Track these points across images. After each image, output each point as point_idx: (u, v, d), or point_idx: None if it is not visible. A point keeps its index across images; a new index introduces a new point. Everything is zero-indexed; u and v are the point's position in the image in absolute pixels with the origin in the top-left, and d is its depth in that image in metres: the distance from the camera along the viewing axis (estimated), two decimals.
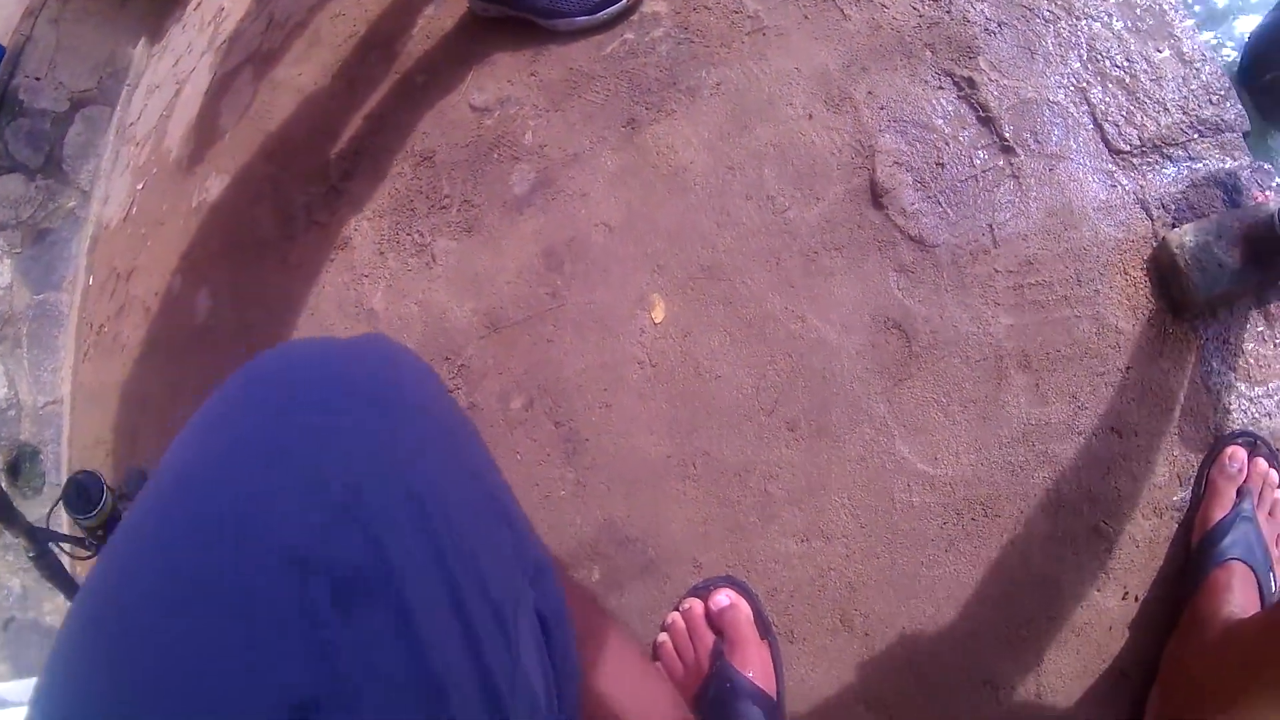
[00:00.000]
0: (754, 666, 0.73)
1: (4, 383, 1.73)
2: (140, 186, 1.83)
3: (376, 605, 0.24)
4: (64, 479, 1.72)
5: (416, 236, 1.12)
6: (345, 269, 1.19)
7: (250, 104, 1.55)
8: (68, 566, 0.96)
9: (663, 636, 0.78)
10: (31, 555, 0.91)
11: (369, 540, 0.24)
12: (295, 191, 1.33)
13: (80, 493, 0.89)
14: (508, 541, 0.31)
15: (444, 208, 1.10)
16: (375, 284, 1.14)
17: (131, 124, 1.93)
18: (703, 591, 0.77)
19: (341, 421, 0.27)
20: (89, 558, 0.96)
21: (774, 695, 0.73)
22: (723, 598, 0.75)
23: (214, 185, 1.55)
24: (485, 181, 1.06)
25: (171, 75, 1.87)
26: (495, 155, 1.07)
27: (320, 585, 0.23)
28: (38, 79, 1.76)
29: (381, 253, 1.16)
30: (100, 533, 0.92)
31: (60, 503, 0.90)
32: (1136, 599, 0.74)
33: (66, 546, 0.94)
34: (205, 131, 1.65)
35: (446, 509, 0.27)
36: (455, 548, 0.27)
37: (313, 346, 0.31)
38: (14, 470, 1.68)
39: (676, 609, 0.78)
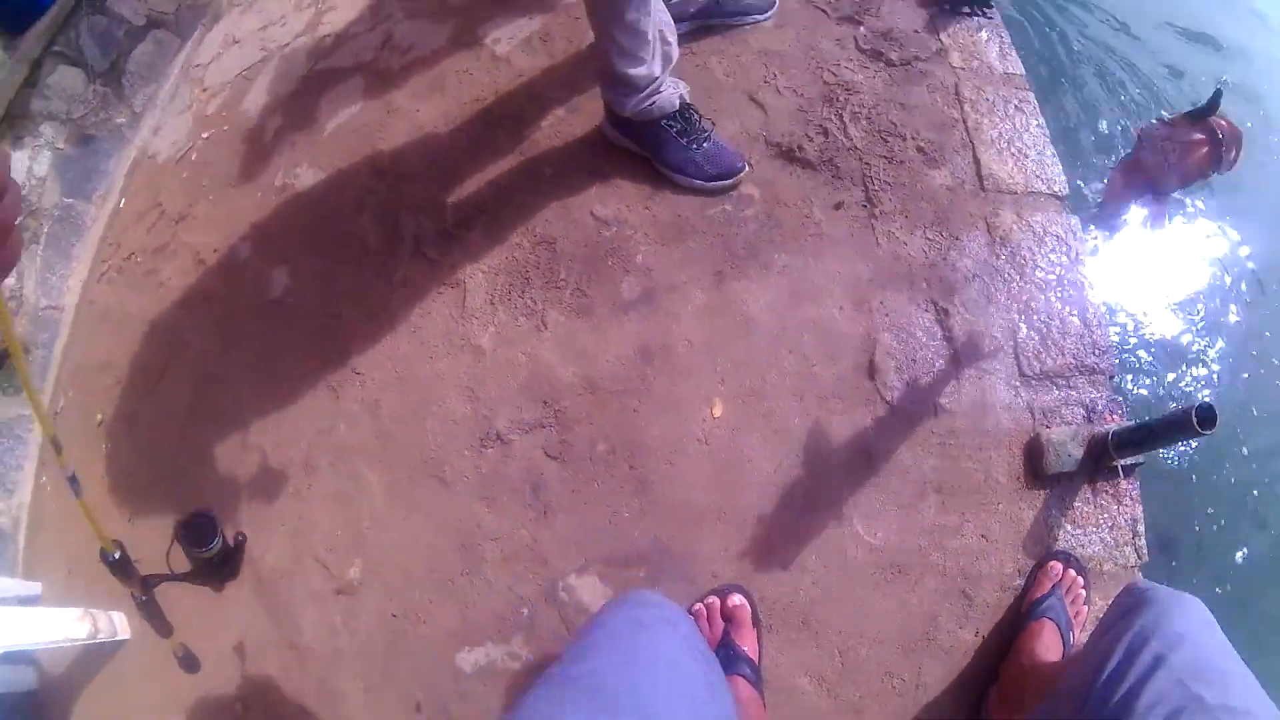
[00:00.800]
0: (748, 643, 1.74)
1: (12, 273, 2.47)
2: (205, 135, 2.75)
3: (725, 697, 1.16)
4: (50, 385, 2.55)
5: (529, 302, 2.12)
6: (454, 305, 2.18)
7: (358, 114, 2.53)
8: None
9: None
10: (141, 600, 1.37)
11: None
12: (405, 217, 2.32)
13: (197, 531, 1.37)
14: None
15: (558, 288, 2.11)
16: (484, 327, 2.13)
17: (199, 65, 2.86)
18: (721, 593, 1.79)
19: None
20: (203, 584, 1.46)
21: (757, 662, 1.75)
22: (736, 599, 1.76)
23: (306, 175, 2.51)
24: (599, 280, 2.09)
25: (257, 39, 2.82)
26: (610, 262, 2.10)
27: (705, 686, 1.11)
28: None
29: (493, 303, 2.15)
30: (215, 561, 1.39)
31: (176, 543, 1.37)
32: (983, 636, 1.79)
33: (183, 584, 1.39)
34: (299, 118, 2.62)
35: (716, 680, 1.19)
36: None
37: (657, 606, 1.21)
38: None
39: (701, 601, 1.79)
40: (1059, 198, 2.13)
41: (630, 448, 1.94)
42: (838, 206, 2.08)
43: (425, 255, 2.27)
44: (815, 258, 2.03)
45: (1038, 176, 2.15)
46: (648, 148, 2.16)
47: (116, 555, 1.25)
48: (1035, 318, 1.99)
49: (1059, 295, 2.02)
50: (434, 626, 1.93)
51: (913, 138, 2.15)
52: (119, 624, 2.24)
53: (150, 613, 1.37)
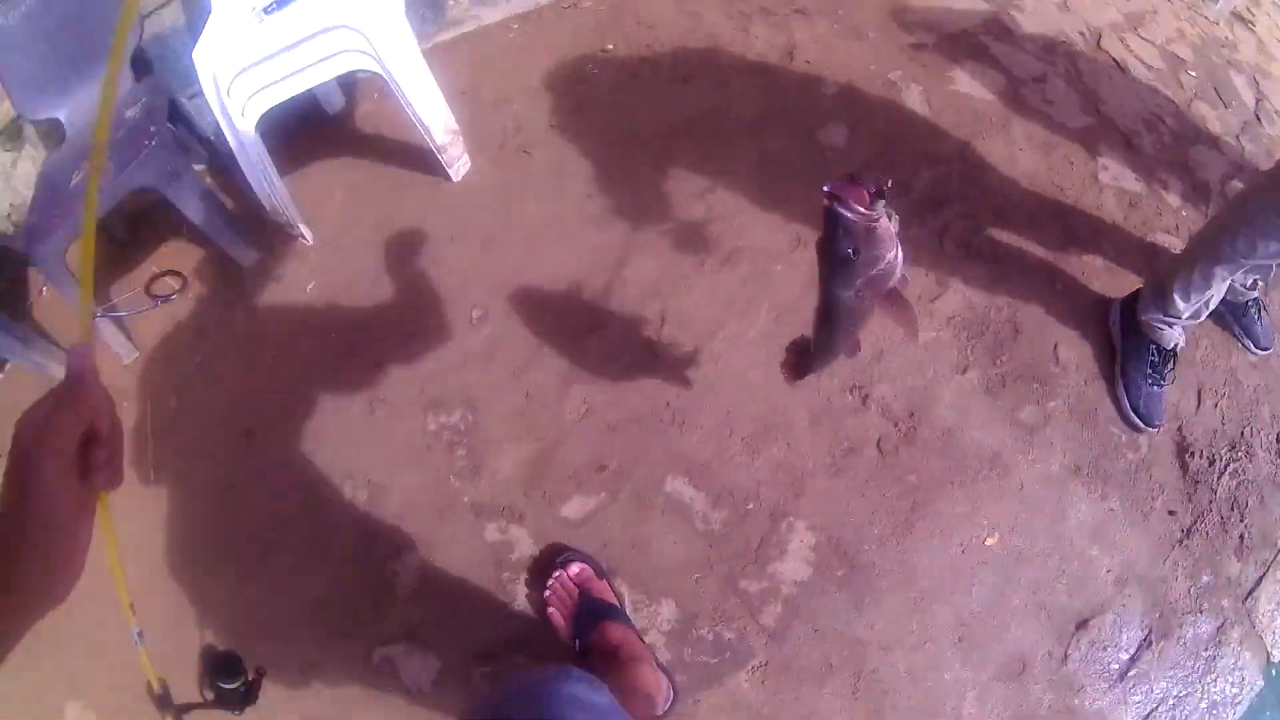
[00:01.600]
0: (605, 595, 2.12)
1: None
2: None
3: None
4: None
5: (969, 351, 2.47)
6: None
7: (971, 97, 2.84)
8: None
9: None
10: None
11: None
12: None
13: (226, 667, 1.66)
14: None
15: (995, 364, 2.46)
16: (933, 329, 2.50)
17: None
18: (563, 564, 2.13)
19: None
20: (227, 709, 1.70)
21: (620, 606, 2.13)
22: (575, 568, 2.12)
23: (912, 93, 2.86)
24: (1020, 387, 2.45)
25: None
26: (1036, 386, 2.46)
27: None
28: None
29: (950, 323, 2.51)
30: (240, 692, 1.67)
31: (207, 676, 1.66)
32: None
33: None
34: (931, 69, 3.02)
35: None
36: None
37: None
38: None
39: (553, 576, 2.14)
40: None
41: (926, 499, 2.33)
42: (1170, 512, 2.45)
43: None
44: (1130, 525, 2.40)
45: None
46: (1123, 350, 2.49)
47: (160, 691, 1.45)
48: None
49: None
50: (683, 434, 2.38)
51: (1247, 526, 2.50)
52: (462, 167, 2.68)
53: None
